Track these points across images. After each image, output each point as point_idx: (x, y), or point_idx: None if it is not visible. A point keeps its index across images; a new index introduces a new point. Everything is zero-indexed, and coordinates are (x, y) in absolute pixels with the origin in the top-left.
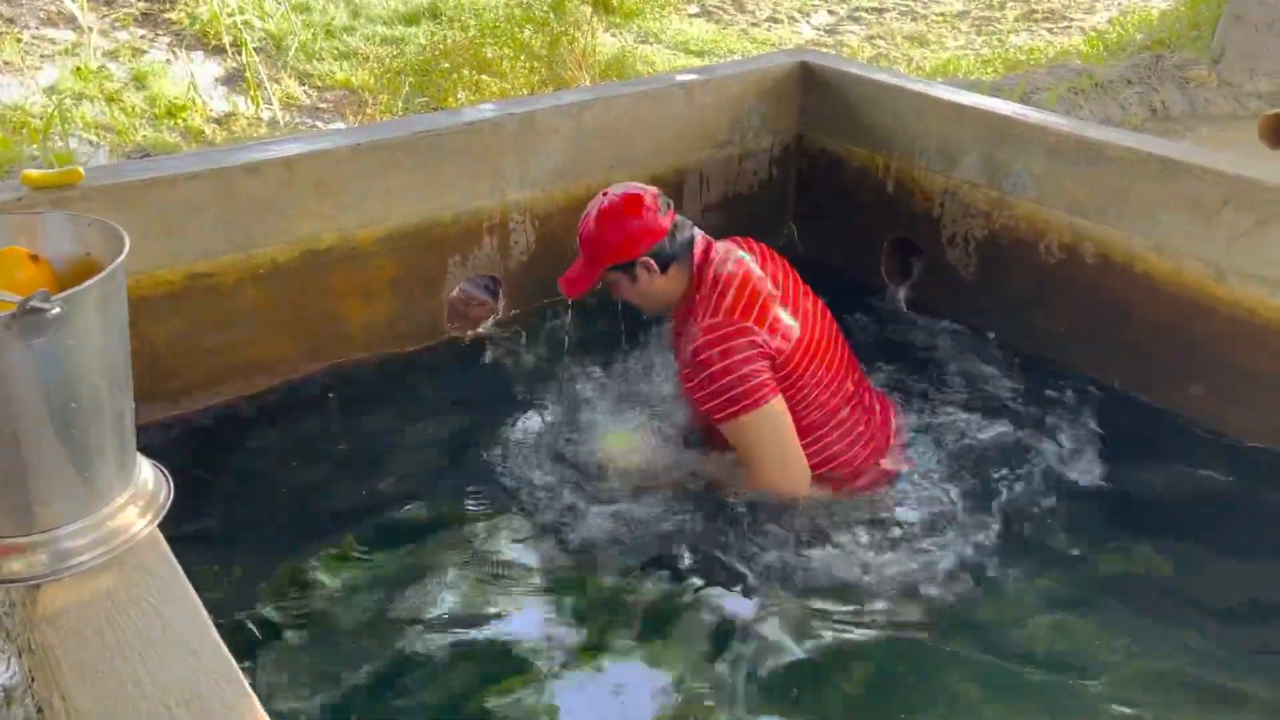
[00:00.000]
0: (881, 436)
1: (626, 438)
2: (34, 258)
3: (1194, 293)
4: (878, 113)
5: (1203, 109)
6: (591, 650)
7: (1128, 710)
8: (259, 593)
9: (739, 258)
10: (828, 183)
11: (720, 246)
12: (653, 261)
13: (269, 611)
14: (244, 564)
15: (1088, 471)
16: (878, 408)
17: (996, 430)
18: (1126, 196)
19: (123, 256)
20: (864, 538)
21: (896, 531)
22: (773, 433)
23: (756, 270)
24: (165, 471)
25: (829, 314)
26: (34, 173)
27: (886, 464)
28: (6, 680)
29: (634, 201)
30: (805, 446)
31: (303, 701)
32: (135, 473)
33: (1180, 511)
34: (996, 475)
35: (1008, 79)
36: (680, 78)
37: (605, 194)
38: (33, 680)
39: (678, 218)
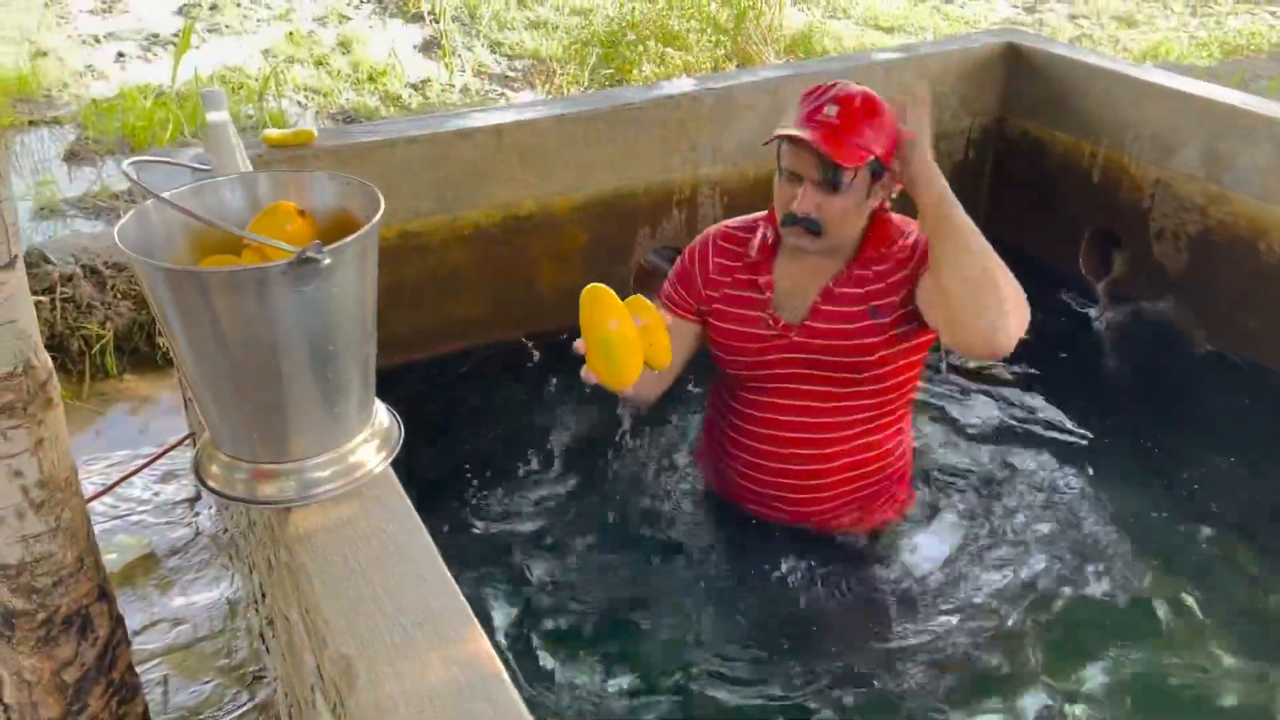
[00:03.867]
0: None
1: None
2: (301, 213)
3: None
4: (1088, 98)
5: None
6: None
7: None
8: (458, 538)
9: None
10: (1028, 169)
11: None
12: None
13: (468, 557)
14: (441, 511)
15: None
16: None
17: (1192, 441)
18: None
19: (379, 214)
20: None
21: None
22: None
23: None
24: (397, 415)
25: None
26: (273, 133)
27: None
28: (231, 594)
29: None
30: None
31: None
32: (373, 413)
33: None
34: (1190, 488)
35: (1225, 65)
36: (880, 55)
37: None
38: (263, 595)
39: None
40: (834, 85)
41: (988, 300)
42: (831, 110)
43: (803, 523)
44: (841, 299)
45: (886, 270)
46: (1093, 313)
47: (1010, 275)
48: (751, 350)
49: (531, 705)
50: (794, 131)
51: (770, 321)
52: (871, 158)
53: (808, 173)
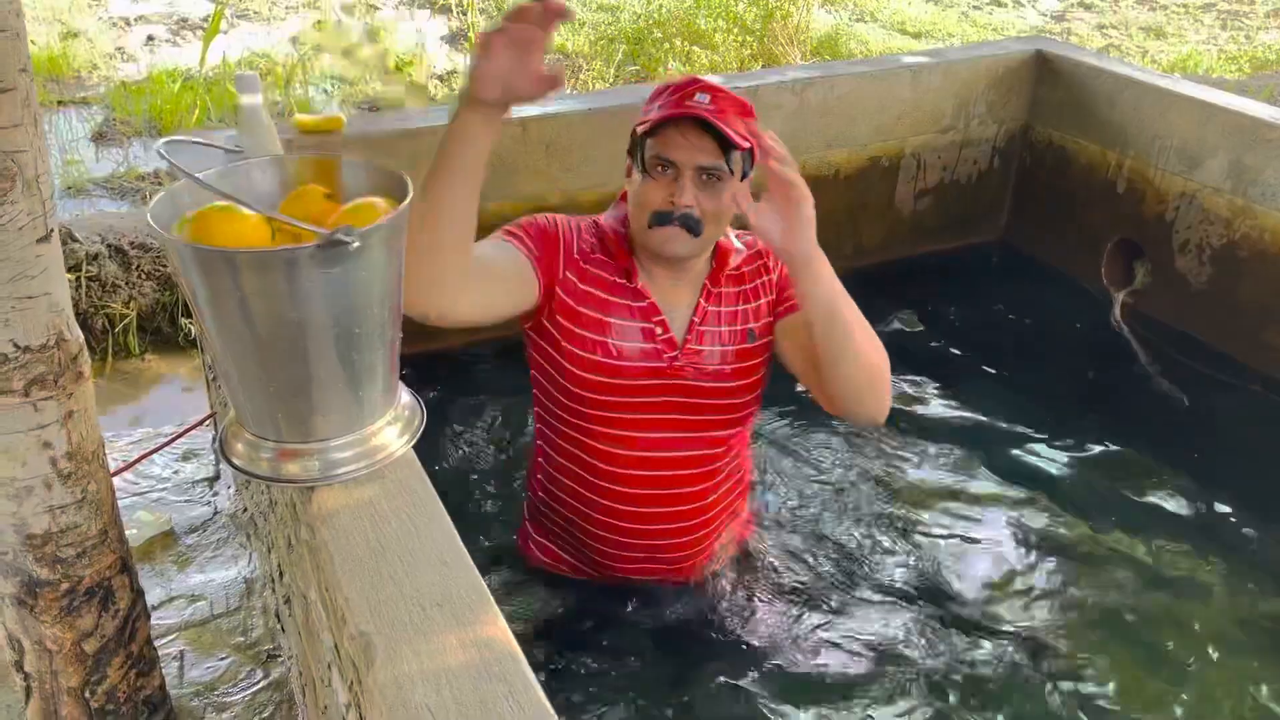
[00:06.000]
0: None
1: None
2: (328, 196)
3: None
4: (1116, 108)
5: None
6: None
7: None
8: (477, 521)
9: None
10: (1052, 177)
11: None
12: None
13: (487, 540)
14: (460, 494)
15: None
16: None
17: (1212, 457)
18: None
19: (408, 200)
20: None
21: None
22: None
23: None
24: (420, 399)
25: None
26: (303, 118)
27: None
28: (248, 573)
29: None
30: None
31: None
32: (397, 397)
33: None
34: (1210, 504)
35: (1254, 79)
36: (909, 60)
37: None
38: (281, 574)
39: None
40: (695, 80)
41: (871, 395)
42: (703, 98)
43: (683, 579)
44: (719, 318)
45: (750, 292)
46: (1113, 324)
47: (880, 347)
48: (636, 372)
49: (548, 687)
50: (678, 111)
51: (660, 330)
52: (749, 148)
53: (688, 158)
